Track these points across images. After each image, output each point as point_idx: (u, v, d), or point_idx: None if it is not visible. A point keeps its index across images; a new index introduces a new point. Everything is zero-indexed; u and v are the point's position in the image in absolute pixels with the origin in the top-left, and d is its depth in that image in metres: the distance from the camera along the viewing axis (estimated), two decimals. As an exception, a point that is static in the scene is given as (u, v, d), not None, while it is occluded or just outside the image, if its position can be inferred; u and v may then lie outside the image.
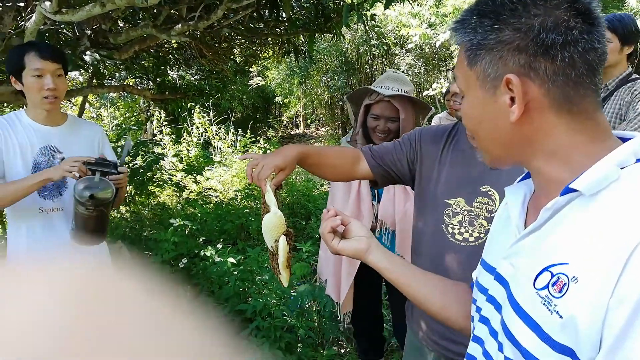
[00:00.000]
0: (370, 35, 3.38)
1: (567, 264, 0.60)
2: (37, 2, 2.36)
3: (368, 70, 10.72)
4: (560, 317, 0.58)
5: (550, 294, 0.61)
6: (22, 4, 2.84)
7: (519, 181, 0.82)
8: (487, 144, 0.74)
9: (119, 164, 1.73)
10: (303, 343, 2.36)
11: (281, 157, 1.23)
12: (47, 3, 2.10)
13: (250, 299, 2.46)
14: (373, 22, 3.67)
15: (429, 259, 1.42)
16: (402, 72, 9.20)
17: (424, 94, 8.40)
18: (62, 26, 3.01)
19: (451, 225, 1.35)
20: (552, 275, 0.61)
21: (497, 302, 0.74)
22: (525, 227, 0.73)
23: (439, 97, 7.91)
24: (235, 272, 2.56)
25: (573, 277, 0.58)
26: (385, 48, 9.26)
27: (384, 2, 2.74)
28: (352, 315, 2.31)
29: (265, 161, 1.20)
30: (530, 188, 0.78)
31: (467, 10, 0.72)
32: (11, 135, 1.75)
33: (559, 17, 0.62)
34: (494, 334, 0.74)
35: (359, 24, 5.53)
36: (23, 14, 2.95)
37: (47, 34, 2.91)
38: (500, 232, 0.83)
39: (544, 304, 0.61)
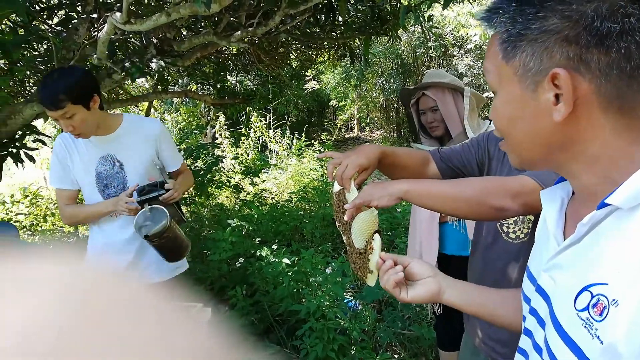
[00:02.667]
0: (428, 37, 3.33)
1: (607, 284, 0.55)
2: (108, 14, 2.52)
3: (425, 73, 10.55)
4: (601, 342, 0.54)
5: (590, 316, 0.56)
6: (95, 16, 3.05)
7: (555, 184, 0.76)
8: (521, 146, 0.67)
9: (165, 181, 1.79)
10: (356, 346, 2.35)
11: (364, 156, 1.20)
12: (118, 14, 2.23)
13: (304, 300, 2.48)
14: (431, 22, 3.61)
15: (481, 257, 1.47)
16: (461, 73, 8.97)
17: (485, 95, 8.12)
18: (130, 36, 3.19)
19: (507, 225, 1.39)
20: (592, 296, 0.57)
21: (539, 317, 0.70)
22: (564, 236, 0.68)
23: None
24: (290, 273, 2.59)
25: (613, 301, 0.54)
26: (443, 49, 9.06)
27: (442, 2, 2.69)
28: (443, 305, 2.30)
29: (349, 160, 1.18)
30: (567, 192, 0.72)
31: None
32: (74, 151, 1.87)
33: (614, 4, 0.55)
34: (537, 349, 0.70)
35: (416, 26, 5.45)
36: (96, 25, 3.16)
37: (117, 44, 3.10)
38: (540, 240, 0.78)
39: (585, 326, 0.57)
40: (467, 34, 7.48)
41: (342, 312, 2.31)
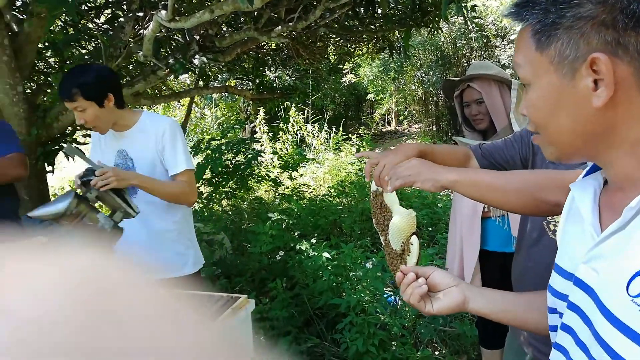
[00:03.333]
0: (470, 28, 3.25)
1: None
2: (154, 12, 2.59)
3: (465, 64, 10.29)
4: None
5: None
6: (140, 14, 3.13)
7: (583, 176, 0.75)
8: (560, 137, 0.67)
9: (97, 167, 1.69)
10: (397, 342, 2.34)
11: (402, 156, 1.16)
12: (163, 12, 2.29)
13: (343, 294, 2.48)
14: (474, 13, 3.52)
15: (526, 254, 1.43)
16: (504, 65, 8.71)
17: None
18: (174, 32, 3.26)
19: (553, 223, 1.34)
20: None
21: (582, 312, 0.68)
22: (601, 227, 0.66)
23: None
24: (330, 267, 2.60)
25: None
26: (485, 40, 8.82)
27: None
28: None
29: (386, 160, 1.15)
30: (599, 182, 0.71)
31: None
32: (102, 143, 1.98)
33: None
34: (581, 345, 0.67)
35: (458, 16, 5.33)
36: (141, 23, 3.26)
37: (161, 42, 3.17)
38: (571, 233, 0.76)
39: None
40: (510, 24, 7.24)
41: (382, 307, 2.30)
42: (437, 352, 2.67)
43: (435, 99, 11.20)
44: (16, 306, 0.19)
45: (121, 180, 1.67)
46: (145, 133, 1.90)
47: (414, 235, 1.11)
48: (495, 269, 2.22)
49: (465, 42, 9.45)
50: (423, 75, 10.46)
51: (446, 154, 1.34)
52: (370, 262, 2.38)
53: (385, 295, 2.54)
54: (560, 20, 0.61)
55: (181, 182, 1.89)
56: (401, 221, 1.11)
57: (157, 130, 1.88)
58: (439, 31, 3.91)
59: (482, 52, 10.14)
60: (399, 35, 4.40)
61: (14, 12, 3.16)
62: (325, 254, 2.63)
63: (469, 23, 3.13)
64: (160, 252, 1.96)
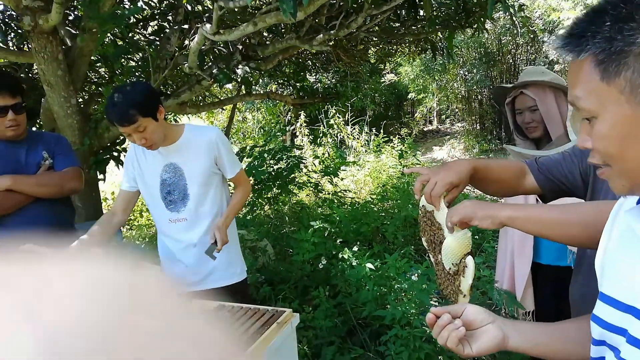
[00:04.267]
0: (517, 24, 3.14)
1: None
2: (198, 25, 2.65)
3: (510, 61, 9.96)
4: None
5: None
6: (186, 26, 3.21)
7: (638, 202, 0.71)
8: (635, 169, 0.63)
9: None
10: (443, 355, 2.29)
11: (455, 173, 1.14)
12: (208, 26, 2.33)
13: (388, 305, 2.45)
14: (522, 13, 3.39)
15: (587, 273, 1.33)
16: (552, 60, 8.37)
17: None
18: (218, 43, 3.32)
19: None
20: None
21: None
22: None
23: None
24: (373, 277, 2.58)
25: None
26: (532, 36, 8.51)
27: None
28: (536, 316, 2.17)
29: (438, 177, 1.12)
30: None
31: (588, 19, 0.62)
32: (142, 158, 1.99)
33: None
34: None
35: (505, 14, 5.17)
36: (186, 34, 3.34)
37: (205, 52, 3.24)
38: (629, 262, 0.71)
39: None
40: (559, 17, 6.95)
41: (428, 320, 2.25)
42: (484, 365, 2.59)
43: (479, 97, 10.91)
44: (47, 312, 0.20)
45: (226, 231, 1.92)
46: (193, 144, 1.95)
47: (469, 256, 1.07)
48: (549, 284, 2.13)
49: (510, 38, 9.15)
50: (466, 73, 10.21)
51: (501, 170, 1.29)
52: (416, 275, 2.33)
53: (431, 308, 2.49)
54: (630, 47, 0.58)
55: (240, 188, 2.09)
56: (455, 241, 1.08)
57: (207, 140, 1.95)
58: (485, 32, 3.80)
59: (529, 48, 9.79)
60: (442, 36, 4.31)
61: (68, 28, 3.31)
62: (369, 265, 2.60)
63: (517, 23, 3.02)
64: (211, 262, 2.00)
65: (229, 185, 2.18)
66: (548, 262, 2.07)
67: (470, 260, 1.06)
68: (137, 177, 2.00)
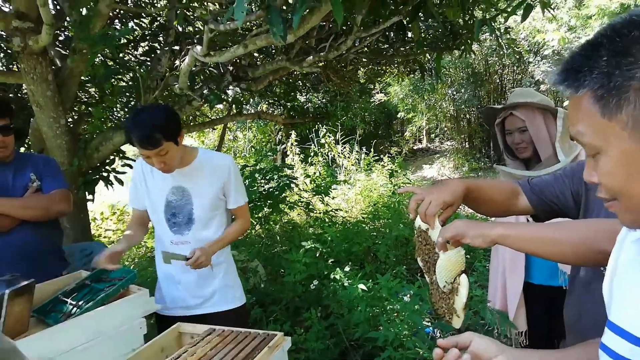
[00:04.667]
0: (503, 47, 3.20)
1: None
2: (189, 46, 2.66)
3: (498, 81, 10.14)
4: None
5: None
6: (177, 47, 3.23)
7: None
8: None
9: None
10: (436, 378, 2.26)
11: (449, 193, 1.15)
12: (198, 48, 2.34)
13: (380, 327, 2.43)
14: (507, 35, 3.46)
15: (581, 296, 1.32)
16: (537, 80, 8.53)
17: (565, 104, 7.71)
18: (208, 65, 3.34)
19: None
20: None
21: None
22: None
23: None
24: (365, 298, 2.56)
25: None
26: (517, 57, 8.69)
27: (520, 14, 2.57)
28: (528, 335, 2.16)
29: (432, 197, 1.14)
30: None
31: (584, 53, 0.62)
32: (149, 177, 1.95)
33: None
34: None
35: (491, 36, 5.27)
36: (177, 55, 3.35)
37: (195, 73, 3.25)
38: (630, 292, 0.70)
39: None
40: (544, 39, 7.11)
41: (421, 342, 2.23)
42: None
43: (467, 116, 11.05)
44: None
45: (210, 257, 1.86)
46: (205, 169, 1.92)
47: (463, 274, 1.07)
48: (540, 303, 2.12)
49: (497, 58, 9.34)
50: (454, 92, 10.36)
51: (493, 190, 1.30)
52: (408, 295, 2.32)
53: (426, 330, 2.46)
54: (629, 82, 0.57)
55: (240, 220, 2.05)
56: (449, 259, 1.08)
57: (221, 167, 1.94)
58: (472, 53, 3.86)
59: (515, 68, 9.98)
60: (429, 58, 4.38)
61: (58, 48, 3.31)
62: (361, 286, 2.59)
63: (503, 45, 3.08)
64: (211, 287, 1.98)
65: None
66: (540, 281, 2.07)
67: (464, 279, 1.06)
68: (144, 194, 1.97)
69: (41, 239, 2.12)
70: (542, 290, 2.07)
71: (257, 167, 4.67)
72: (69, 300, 1.80)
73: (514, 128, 2.02)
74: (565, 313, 1.48)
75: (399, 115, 12.66)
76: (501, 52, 8.66)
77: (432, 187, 1.20)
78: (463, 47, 3.45)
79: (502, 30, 3.15)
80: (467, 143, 11.29)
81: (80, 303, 1.77)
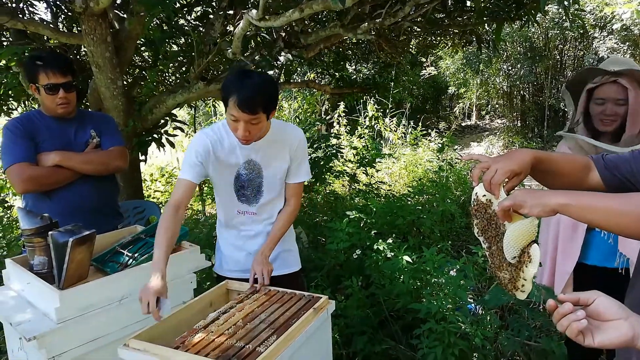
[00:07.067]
0: (570, 20, 2.98)
1: None
2: (244, 11, 2.65)
3: (558, 57, 9.61)
4: None
5: None
6: (230, 12, 3.23)
7: None
8: None
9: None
10: (478, 353, 2.24)
11: (516, 162, 1.12)
12: (254, 11, 2.33)
13: (423, 299, 2.42)
14: (577, 5, 3.24)
15: None
16: (601, 57, 8.01)
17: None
18: (261, 30, 3.33)
19: None
20: None
21: None
22: None
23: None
24: (408, 270, 2.55)
25: None
26: (581, 31, 8.16)
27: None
28: None
29: (498, 165, 1.11)
30: None
31: None
32: (218, 149, 1.85)
33: None
34: None
35: (555, 5, 4.97)
36: (230, 21, 3.36)
37: (248, 38, 3.25)
38: None
39: None
40: (613, 12, 6.62)
41: (464, 316, 2.21)
42: (519, 366, 2.53)
43: (522, 92, 10.58)
44: None
45: (268, 261, 1.86)
46: (277, 143, 1.88)
47: (535, 244, 1.05)
48: (592, 285, 2.05)
49: (558, 32, 8.80)
50: (509, 68, 9.91)
51: (564, 163, 1.24)
52: (454, 270, 2.29)
53: (468, 306, 2.44)
54: None
55: (292, 204, 2.00)
56: (521, 228, 1.05)
57: (291, 141, 1.89)
58: (535, 24, 3.65)
59: (578, 44, 9.41)
60: (488, 28, 4.18)
61: (116, 11, 3.38)
62: (406, 258, 2.57)
63: (570, 17, 2.89)
64: (273, 252, 1.97)
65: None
66: (594, 262, 1.99)
67: (535, 248, 1.03)
68: (210, 167, 1.85)
69: (100, 193, 2.22)
70: (596, 271, 2.00)
71: (307, 135, 4.68)
72: (125, 252, 1.90)
73: (610, 98, 1.85)
74: (628, 298, 1.41)
75: (448, 90, 12.30)
76: (564, 25, 8.16)
77: (499, 156, 1.17)
78: (526, 18, 3.27)
79: (570, 0, 2.95)
80: (519, 121, 10.85)
81: (135, 255, 1.86)
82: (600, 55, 8.30)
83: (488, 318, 2.39)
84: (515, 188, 1.14)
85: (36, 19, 3.34)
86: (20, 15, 3.21)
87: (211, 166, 1.85)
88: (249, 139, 1.74)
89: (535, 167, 1.16)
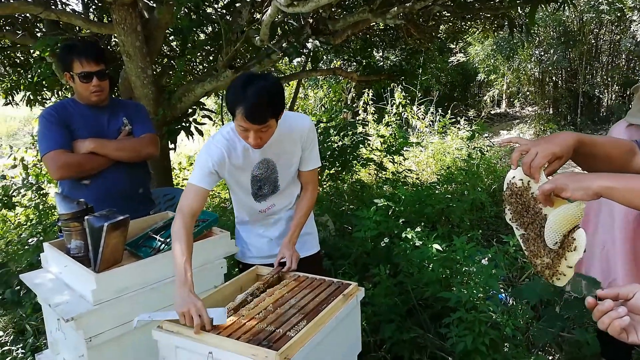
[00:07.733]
0: (606, 0, 2.84)
1: None
2: (271, -3, 2.64)
3: (593, 41, 9.26)
4: None
5: None
6: (257, 0, 3.22)
7: None
8: None
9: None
10: (509, 343, 2.21)
11: (558, 144, 1.08)
12: (282, -3, 2.32)
13: (453, 288, 2.39)
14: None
15: None
16: (639, 42, 7.69)
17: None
18: (289, 17, 3.31)
19: None
20: None
21: None
22: None
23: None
24: (437, 259, 2.52)
25: None
26: (619, 14, 7.83)
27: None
28: None
29: (539, 148, 1.07)
30: None
31: None
32: (233, 156, 1.80)
33: None
34: None
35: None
36: (258, 8, 3.35)
37: (276, 25, 3.24)
38: None
39: None
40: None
41: (494, 306, 2.17)
42: (551, 358, 2.48)
43: (554, 79, 10.26)
44: None
45: (295, 248, 1.89)
46: (287, 136, 1.84)
47: (580, 229, 1.01)
48: None
49: (594, 15, 8.46)
50: (542, 53, 9.60)
51: (609, 146, 1.19)
52: (487, 258, 2.25)
53: (499, 296, 2.40)
54: None
55: (309, 190, 2.02)
56: (567, 213, 1.00)
57: (300, 131, 1.87)
58: (572, 6, 3.51)
59: (614, 28, 9.05)
60: (521, 12, 4.05)
61: (145, 0, 3.42)
62: (436, 246, 2.54)
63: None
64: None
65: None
66: None
67: (581, 233, 0.99)
68: (226, 174, 1.84)
69: (132, 179, 2.26)
70: None
71: (333, 124, 4.65)
72: (157, 237, 1.93)
73: None
74: None
75: (477, 78, 12.02)
76: (600, 8, 7.83)
77: (539, 139, 1.13)
78: (561, 0, 3.15)
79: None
80: (550, 109, 10.54)
81: (168, 240, 1.89)
82: (638, 40, 7.97)
83: (520, 308, 2.35)
84: (557, 171, 1.10)
85: (68, 9, 3.41)
86: (53, 7, 3.28)
87: (227, 173, 1.85)
88: (261, 145, 1.71)
89: (577, 150, 1.11)
